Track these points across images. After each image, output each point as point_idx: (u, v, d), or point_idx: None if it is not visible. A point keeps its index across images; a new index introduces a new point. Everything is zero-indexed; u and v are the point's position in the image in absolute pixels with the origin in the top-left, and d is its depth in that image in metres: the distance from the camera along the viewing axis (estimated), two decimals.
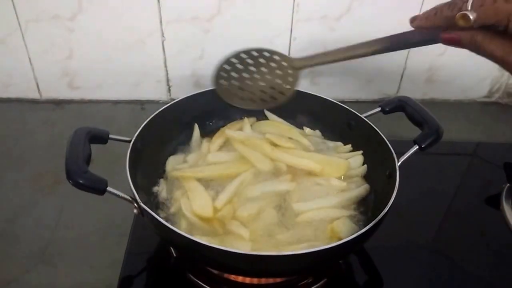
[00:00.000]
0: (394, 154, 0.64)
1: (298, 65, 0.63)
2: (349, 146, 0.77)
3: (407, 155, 0.64)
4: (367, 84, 1.11)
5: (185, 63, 1.05)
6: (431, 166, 0.91)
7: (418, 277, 0.69)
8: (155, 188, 0.70)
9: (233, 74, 0.64)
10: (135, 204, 0.56)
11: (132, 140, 0.63)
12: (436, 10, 0.47)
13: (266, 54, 0.65)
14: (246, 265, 0.53)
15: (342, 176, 0.72)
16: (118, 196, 0.55)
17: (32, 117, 1.06)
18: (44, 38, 1.00)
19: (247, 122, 0.82)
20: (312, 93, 0.79)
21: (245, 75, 0.64)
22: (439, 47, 1.05)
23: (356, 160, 0.74)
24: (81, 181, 0.54)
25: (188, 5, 0.97)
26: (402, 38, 0.53)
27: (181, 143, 0.79)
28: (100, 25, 0.99)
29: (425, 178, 0.88)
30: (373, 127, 0.70)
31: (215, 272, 0.65)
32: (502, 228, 0.77)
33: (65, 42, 1.00)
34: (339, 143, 0.79)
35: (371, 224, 0.53)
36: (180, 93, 0.77)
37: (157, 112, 0.72)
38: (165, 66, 1.05)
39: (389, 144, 0.66)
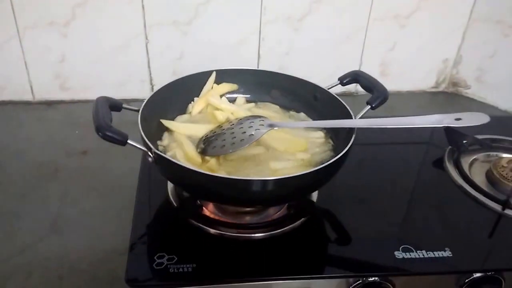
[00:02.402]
0: (352, 114, 0.84)
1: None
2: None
3: (362, 114, 0.84)
4: (327, 79, 1.28)
5: (166, 63, 1.22)
6: (389, 143, 1.12)
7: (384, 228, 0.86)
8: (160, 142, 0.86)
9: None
10: (150, 153, 0.72)
11: (140, 109, 0.80)
12: None
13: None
14: (249, 194, 0.70)
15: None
16: (135, 147, 0.71)
17: (26, 117, 1.18)
18: (40, 43, 1.14)
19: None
20: (283, 73, 0.97)
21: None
22: (389, 43, 1.29)
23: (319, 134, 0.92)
24: (108, 134, 0.69)
25: (169, 10, 1.14)
26: None
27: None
28: (91, 30, 1.14)
29: (383, 155, 1.08)
30: (335, 96, 0.89)
31: (212, 216, 0.83)
32: (447, 183, 0.97)
33: (58, 46, 1.15)
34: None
35: (340, 155, 0.73)
36: None
37: (161, 87, 0.89)
38: (149, 66, 1.22)
39: (348, 108, 0.85)
